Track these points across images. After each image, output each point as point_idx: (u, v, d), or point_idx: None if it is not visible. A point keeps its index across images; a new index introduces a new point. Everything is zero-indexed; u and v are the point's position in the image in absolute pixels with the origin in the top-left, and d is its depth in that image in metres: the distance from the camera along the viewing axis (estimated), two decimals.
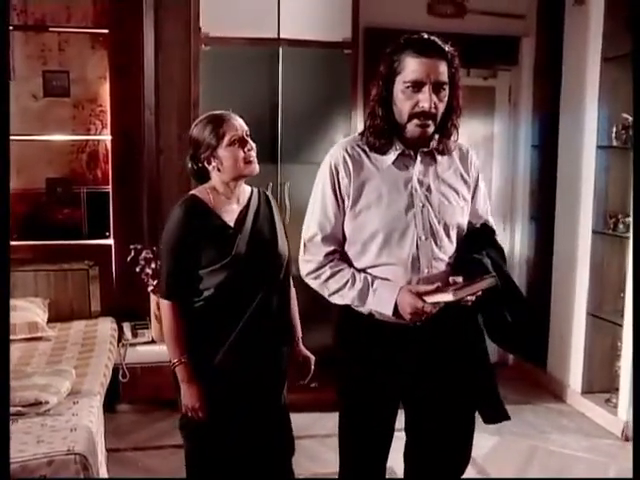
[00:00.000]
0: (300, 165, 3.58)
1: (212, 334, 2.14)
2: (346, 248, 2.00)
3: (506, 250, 2.10)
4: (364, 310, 1.98)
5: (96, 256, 4.07)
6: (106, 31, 4.00)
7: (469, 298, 1.84)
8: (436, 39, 1.91)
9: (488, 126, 4.61)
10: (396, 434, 2.10)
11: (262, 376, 2.19)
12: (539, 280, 4.41)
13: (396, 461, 2.20)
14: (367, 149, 1.98)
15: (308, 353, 2.36)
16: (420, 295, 1.85)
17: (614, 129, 3.72)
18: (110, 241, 4.14)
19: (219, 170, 2.15)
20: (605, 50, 3.69)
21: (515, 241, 4.61)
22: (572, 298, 4.02)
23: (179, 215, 2.13)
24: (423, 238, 1.94)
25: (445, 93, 1.91)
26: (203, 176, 2.22)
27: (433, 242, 1.95)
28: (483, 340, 2.01)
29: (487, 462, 3.24)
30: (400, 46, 1.91)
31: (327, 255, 1.99)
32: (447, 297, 1.80)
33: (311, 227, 2.02)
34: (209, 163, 2.16)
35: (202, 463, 2.19)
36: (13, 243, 3.53)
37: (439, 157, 2.00)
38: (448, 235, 1.98)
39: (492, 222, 2.14)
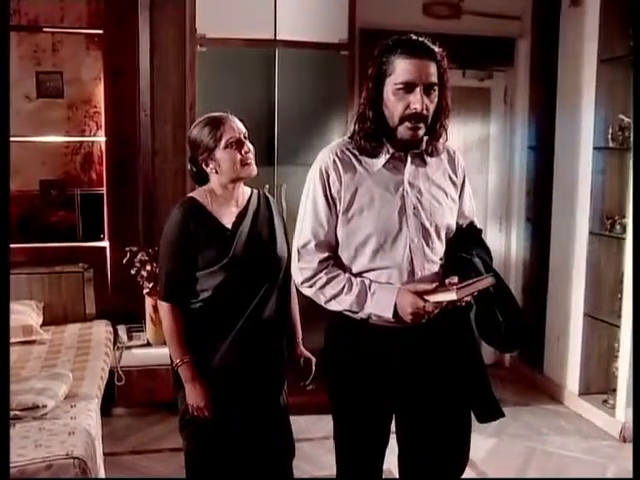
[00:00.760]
0: (297, 167, 3.55)
1: (210, 336, 2.14)
2: (339, 253, 1.98)
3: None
4: (361, 315, 1.94)
5: (91, 258, 4.05)
6: (101, 31, 3.98)
7: (467, 298, 1.83)
8: (425, 40, 1.89)
9: (484, 127, 4.62)
10: (393, 435, 2.09)
11: (260, 377, 2.19)
12: (536, 281, 4.40)
13: (393, 463, 2.18)
14: (357, 153, 1.96)
15: (309, 354, 2.36)
16: (420, 294, 1.83)
17: (610, 130, 3.72)
18: (105, 243, 4.13)
19: (217, 172, 2.15)
20: (601, 51, 3.69)
21: (511, 242, 4.56)
22: (569, 299, 4.02)
23: (177, 218, 2.13)
24: (416, 240, 1.92)
25: (435, 94, 1.89)
26: (202, 178, 2.22)
27: (425, 244, 1.93)
28: (474, 338, 2.00)
29: (485, 464, 3.24)
30: (389, 47, 1.88)
31: (321, 262, 1.95)
32: (450, 296, 1.77)
33: (304, 234, 1.97)
34: (207, 165, 2.16)
35: (203, 464, 2.19)
36: None
37: (428, 159, 1.99)
38: (439, 236, 1.97)
39: (477, 221, 2.14)
